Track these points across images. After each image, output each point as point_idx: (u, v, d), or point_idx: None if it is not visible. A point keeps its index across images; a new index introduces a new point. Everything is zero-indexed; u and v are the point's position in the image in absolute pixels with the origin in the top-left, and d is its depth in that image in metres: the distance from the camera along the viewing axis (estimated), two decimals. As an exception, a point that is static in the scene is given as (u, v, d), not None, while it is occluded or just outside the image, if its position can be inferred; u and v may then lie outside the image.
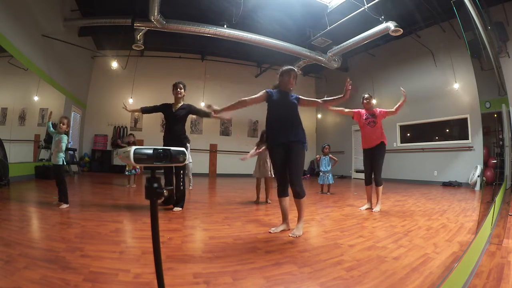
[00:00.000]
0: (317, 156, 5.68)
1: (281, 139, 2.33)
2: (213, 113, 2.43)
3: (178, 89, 3.37)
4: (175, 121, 3.35)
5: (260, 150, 3.94)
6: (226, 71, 10.95)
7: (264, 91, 2.45)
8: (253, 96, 2.42)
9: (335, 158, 5.49)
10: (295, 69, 2.46)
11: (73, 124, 8.27)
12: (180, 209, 3.23)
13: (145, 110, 3.52)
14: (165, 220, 2.68)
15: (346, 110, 3.72)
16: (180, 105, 3.40)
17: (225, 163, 10.99)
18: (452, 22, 6.88)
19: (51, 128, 3.27)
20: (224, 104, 2.44)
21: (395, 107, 3.59)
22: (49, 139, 6.27)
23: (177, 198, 3.27)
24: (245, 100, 2.37)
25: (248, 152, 4.01)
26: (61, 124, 3.17)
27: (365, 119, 3.63)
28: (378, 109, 3.67)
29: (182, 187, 3.29)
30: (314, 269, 1.54)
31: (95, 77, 10.02)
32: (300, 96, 2.48)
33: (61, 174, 3.15)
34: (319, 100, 2.54)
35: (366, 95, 3.68)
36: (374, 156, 3.57)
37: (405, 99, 3.50)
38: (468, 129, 7.29)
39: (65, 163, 3.21)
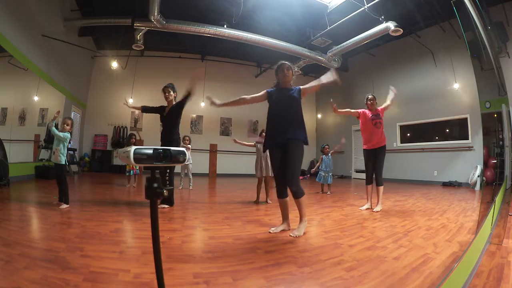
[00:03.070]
0: (318, 163, 5.72)
1: (278, 139, 2.33)
2: (212, 104, 2.47)
3: (166, 93, 3.43)
4: (165, 123, 3.44)
5: (247, 144, 4.33)
6: (227, 71, 10.96)
7: (265, 91, 2.49)
8: (254, 95, 2.49)
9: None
10: (286, 62, 2.45)
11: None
12: (167, 206, 3.32)
13: (145, 109, 3.66)
14: (165, 220, 2.68)
15: (353, 110, 3.73)
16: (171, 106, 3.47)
17: (225, 163, 10.98)
18: (452, 22, 6.87)
19: (54, 128, 3.26)
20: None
21: (389, 100, 3.67)
22: (49, 139, 6.27)
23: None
24: (246, 98, 2.47)
25: (247, 147, 4.44)
26: (65, 125, 3.18)
27: (371, 119, 3.60)
28: (379, 108, 3.68)
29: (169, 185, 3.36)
30: (314, 269, 1.54)
31: (95, 77, 10.01)
32: (301, 87, 2.45)
33: (63, 173, 3.16)
34: (319, 82, 2.41)
35: (370, 96, 3.68)
36: (377, 157, 3.57)
37: (395, 96, 3.72)
38: (468, 129, 7.29)
39: (67, 163, 3.22)
